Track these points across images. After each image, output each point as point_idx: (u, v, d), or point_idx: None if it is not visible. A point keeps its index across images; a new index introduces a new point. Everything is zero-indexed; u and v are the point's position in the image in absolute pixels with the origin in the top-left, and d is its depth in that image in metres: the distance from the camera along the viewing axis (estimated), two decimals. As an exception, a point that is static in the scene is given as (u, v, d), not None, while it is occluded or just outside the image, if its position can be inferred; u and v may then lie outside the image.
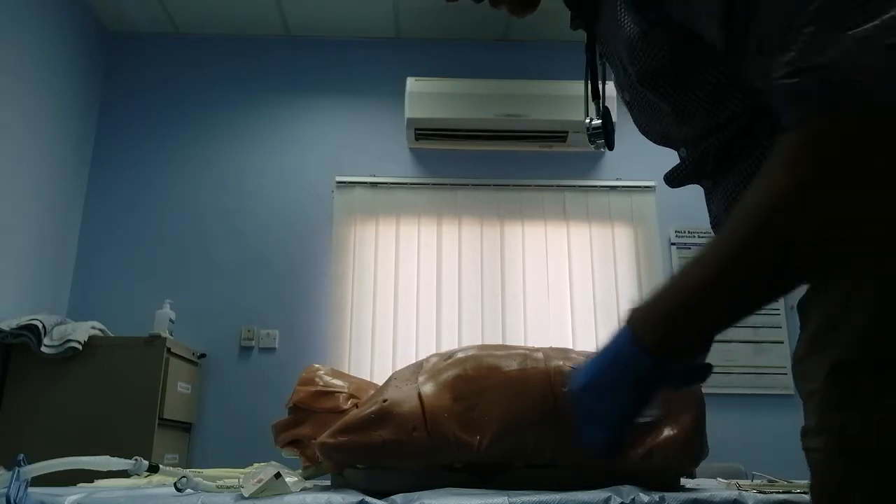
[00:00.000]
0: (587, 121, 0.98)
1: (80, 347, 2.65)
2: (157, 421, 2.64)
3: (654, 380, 0.65)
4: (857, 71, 0.48)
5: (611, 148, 0.98)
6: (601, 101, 0.95)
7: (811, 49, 0.50)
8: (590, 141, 0.99)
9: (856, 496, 0.54)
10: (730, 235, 0.58)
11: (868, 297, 0.55)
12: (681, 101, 0.74)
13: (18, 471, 0.92)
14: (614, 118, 1.07)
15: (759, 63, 0.56)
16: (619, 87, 0.86)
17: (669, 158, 0.97)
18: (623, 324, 0.65)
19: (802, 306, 0.65)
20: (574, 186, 3.47)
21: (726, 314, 0.61)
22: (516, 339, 3.21)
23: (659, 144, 0.86)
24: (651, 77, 0.73)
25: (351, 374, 1.33)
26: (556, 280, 3.32)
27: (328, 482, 1.19)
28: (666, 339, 0.62)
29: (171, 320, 2.95)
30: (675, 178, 0.83)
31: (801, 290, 0.66)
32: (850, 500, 0.55)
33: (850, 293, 0.56)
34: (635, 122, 0.86)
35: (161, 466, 1.09)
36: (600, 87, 0.95)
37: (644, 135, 0.87)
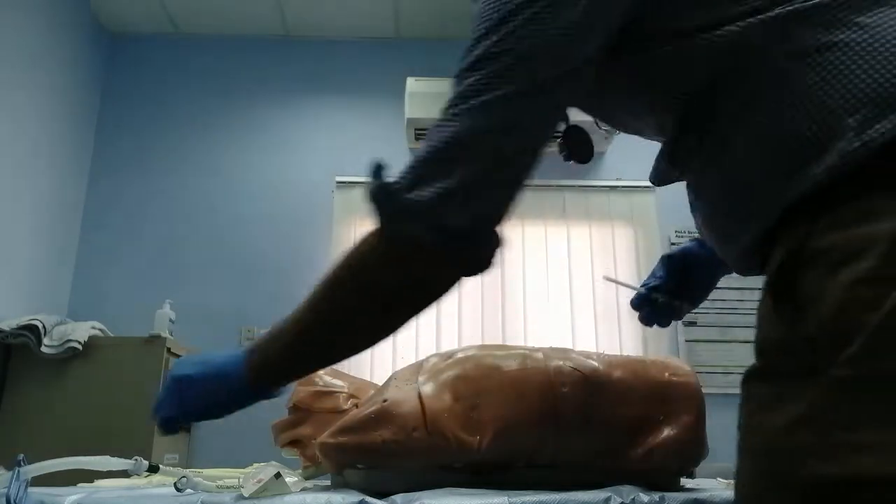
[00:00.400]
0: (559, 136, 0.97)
1: (80, 347, 2.65)
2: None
3: (242, 399, 0.84)
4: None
5: (580, 162, 0.98)
6: (567, 121, 0.93)
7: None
8: (559, 150, 0.98)
9: (740, 483, 0.61)
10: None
11: (763, 308, 0.61)
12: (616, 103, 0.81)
13: (18, 471, 0.92)
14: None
15: None
16: None
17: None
18: (245, 354, 0.84)
19: None
20: (574, 186, 3.47)
21: (304, 358, 0.85)
22: (516, 339, 3.21)
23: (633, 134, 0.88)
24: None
25: (351, 374, 1.33)
26: (556, 280, 3.32)
27: (328, 482, 1.19)
28: (261, 378, 0.83)
29: (171, 320, 2.95)
30: (654, 176, 0.84)
31: None
32: (739, 487, 0.61)
33: (763, 301, 0.62)
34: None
35: (161, 466, 1.09)
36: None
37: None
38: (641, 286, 1.07)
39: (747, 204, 0.63)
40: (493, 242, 0.76)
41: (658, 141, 0.81)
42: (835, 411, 0.51)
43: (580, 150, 0.96)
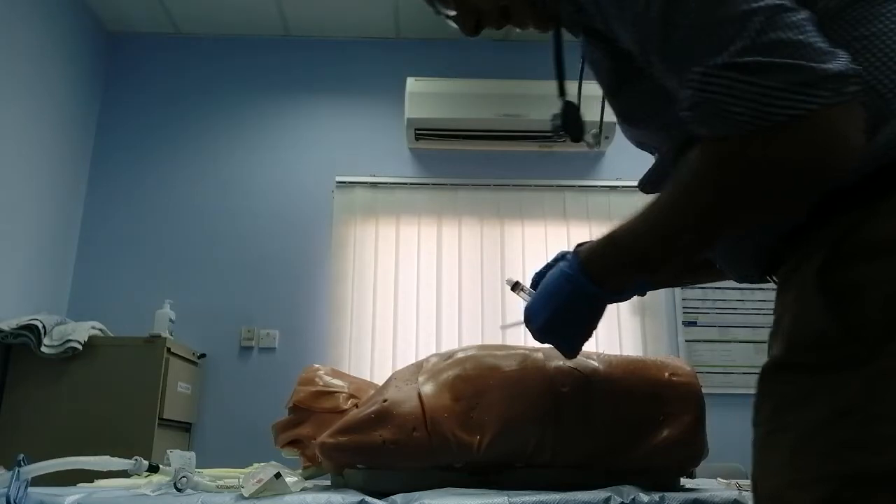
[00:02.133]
0: (551, 115, 0.98)
1: (80, 347, 2.65)
2: (157, 421, 2.64)
3: (597, 301, 0.82)
4: (727, 102, 0.58)
5: (574, 140, 0.98)
6: (565, 97, 0.97)
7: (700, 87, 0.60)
8: (553, 132, 0.99)
9: (773, 479, 0.59)
10: (662, 201, 0.69)
11: (790, 301, 0.60)
12: (641, 107, 0.79)
13: (18, 471, 0.92)
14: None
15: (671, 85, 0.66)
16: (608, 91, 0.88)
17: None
18: (572, 255, 0.80)
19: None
20: (574, 186, 3.47)
21: (655, 261, 0.74)
22: (516, 339, 3.21)
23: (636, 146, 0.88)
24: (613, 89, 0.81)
25: (351, 374, 1.33)
26: (556, 280, 3.31)
27: (328, 482, 1.19)
28: (607, 275, 0.78)
29: (171, 320, 2.95)
30: (646, 182, 0.84)
31: None
32: (771, 484, 0.60)
33: (786, 297, 0.61)
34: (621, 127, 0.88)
35: (161, 466, 1.09)
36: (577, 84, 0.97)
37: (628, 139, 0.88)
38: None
39: None
40: None
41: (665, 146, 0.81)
42: (880, 402, 0.50)
43: (574, 127, 0.97)
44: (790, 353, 0.59)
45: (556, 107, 0.97)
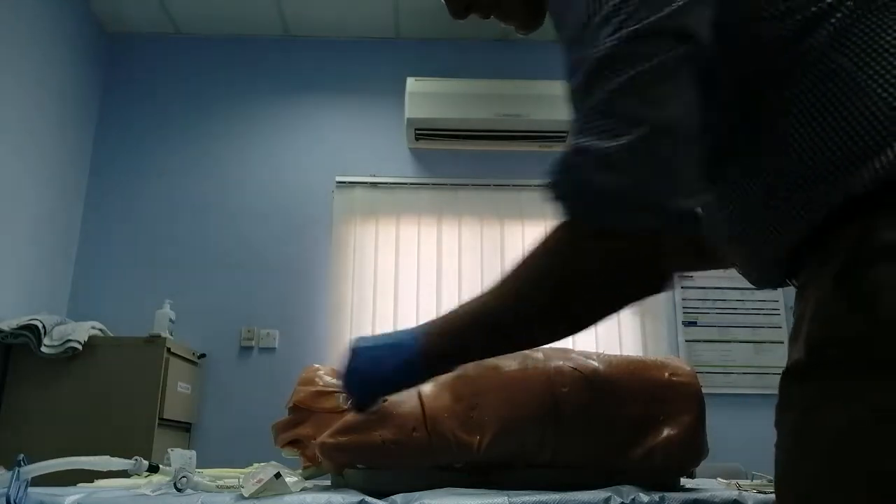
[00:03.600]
0: None
1: (80, 347, 2.65)
2: (157, 421, 2.64)
3: (415, 373, 0.84)
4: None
5: None
6: None
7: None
8: None
9: (805, 484, 0.58)
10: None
11: (810, 304, 0.60)
12: None
13: (18, 471, 0.92)
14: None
15: None
16: None
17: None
18: (414, 332, 0.83)
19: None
20: (574, 186, 3.47)
21: (479, 349, 0.80)
22: (516, 339, 3.21)
23: None
24: None
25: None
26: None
27: (328, 482, 1.19)
28: (434, 356, 0.80)
29: (171, 320, 2.95)
30: None
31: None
32: (784, 494, 0.60)
33: (805, 301, 0.61)
34: None
35: (161, 466, 1.09)
36: None
37: None
38: None
39: (794, 204, 0.62)
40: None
41: None
42: None
43: None
44: (813, 355, 0.59)
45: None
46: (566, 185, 0.67)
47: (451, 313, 0.79)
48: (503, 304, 0.74)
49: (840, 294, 0.57)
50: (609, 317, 0.73)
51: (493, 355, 0.92)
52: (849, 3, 0.61)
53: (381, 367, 0.84)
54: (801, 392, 0.60)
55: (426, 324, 0.82)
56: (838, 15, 0.61)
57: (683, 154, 0.63)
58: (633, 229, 0.63)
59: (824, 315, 0.58)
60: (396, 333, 0.86)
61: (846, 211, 0.58)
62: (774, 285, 0.73)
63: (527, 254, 0.71)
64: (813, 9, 0.61)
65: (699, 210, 0.66)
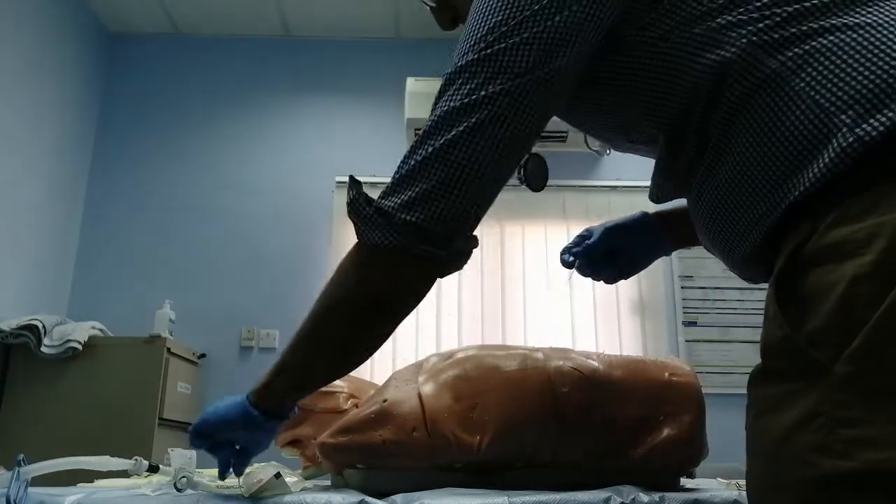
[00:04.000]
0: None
1: (80, 347, 2.65)
2: (157, 421, 2.64)
3: (257, 424, 0.91)
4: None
5: (532, 188, 1.02)
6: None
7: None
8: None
9: (753, 484, 0.62)
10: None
11: (769, 309, 0.61)
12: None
13: (18, 471, 0.92)
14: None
15: None
16: None
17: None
18: (251, 394, 0.92)
19: None
20: (574, 186, 3.47)
21: (299, 384, 0.92)
22: (516, 339, 3.21)
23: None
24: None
25: (351, 374, 1.33)
26: (557, 280, 3.32)
27: (328, 482, 1.19)
28: (267, 405, 0.91)
29: (171, 320, 2.95)
30: (653, 194, 0.85)
31: None
32: (752, 488, 0.63)
33: (767, 307, 0.62)
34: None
35: (161, 466, 1.09)
36: None
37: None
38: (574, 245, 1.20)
39: (749, 210, 0.64)
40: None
41: (651, 157, 0.82)
42: (842, 408, 0.51)
43: (534, 177, 1.02)
44: (764, 358, 0.61)
45: None
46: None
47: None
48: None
49: (777, 300, 0.59)
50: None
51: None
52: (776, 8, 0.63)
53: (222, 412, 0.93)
54: (757, 393, 0.63)
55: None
56: (767, 22, 0.62)
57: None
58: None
59: (770, 319, 0.60)
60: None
61: (792, 218, 0.60)
62: (758, 281, 0.73)
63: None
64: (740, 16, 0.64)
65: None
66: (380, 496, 0.93)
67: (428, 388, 1.08)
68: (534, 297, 3.29)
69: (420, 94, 3.37)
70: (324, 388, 1.20)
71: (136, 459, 1.08)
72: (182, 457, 1.03)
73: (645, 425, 1.06)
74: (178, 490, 1.00)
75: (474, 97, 0.72)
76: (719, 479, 1.33)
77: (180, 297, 3.14)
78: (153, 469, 1.09)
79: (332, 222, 3.39)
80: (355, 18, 3.58)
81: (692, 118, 0.68)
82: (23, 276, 2.95)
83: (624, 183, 3.40)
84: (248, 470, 1.01)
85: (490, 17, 0.71)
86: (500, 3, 0.71)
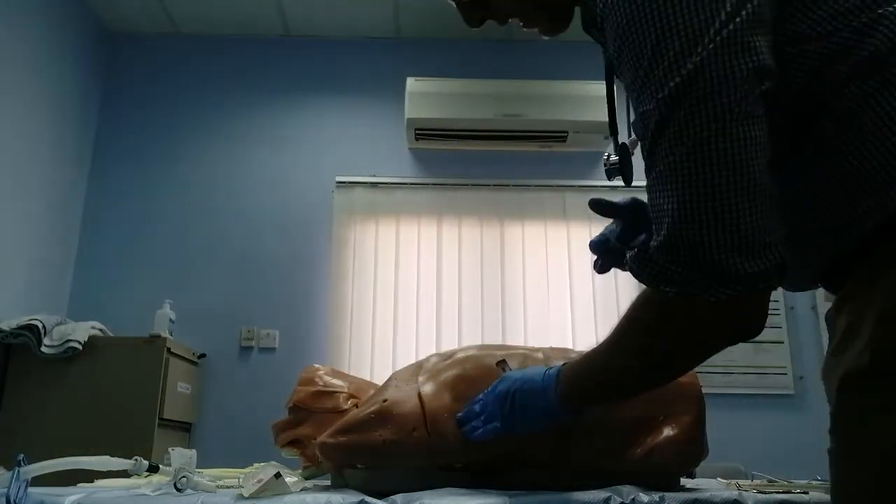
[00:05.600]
0: (605, 156, 0.97)
1: (80, 347, 2.65)
2: (157, 421, 2.64)
3: (551, 415, 0.90)
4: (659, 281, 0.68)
5: (627, 184, 0.97)
6: (617, 136, 0.95)
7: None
8: (607, 176, 0.99)
9: (858, 495, 0.58)
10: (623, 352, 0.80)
11: (876, 308, 0.58)
12: None
13: (18, 471, 0.92)
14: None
15: None
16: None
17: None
18: (557, 372, 0.89)
19: (829, 318, 0.70)
20: (574, 186, 3.47)
21: (612, 396, 0.91)
22: (516, 339, 3.21)
23: None
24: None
25: (351, 374, 1.33)
26: (556, 280, 3.32)
27: (328, 482, 1.19)
28: (574, 402, 0.88)
29: (171, 320, 2.95)
30: None
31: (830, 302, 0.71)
32: (855, 498, 0.59)
33: (864, 304, 0.60)
34: None
35: (161, 466, 1.09)
36: (618, 121, 0.96)
37: None
38: (601, 236, 1.08)
39: (846, 213, 0.63)
40: None
41: None
42: None
43: (627, 174, 0.96)
44: (877, 361, 0.58)
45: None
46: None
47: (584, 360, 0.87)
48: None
49: None
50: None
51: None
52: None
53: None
54: (856, 398, 0.59)
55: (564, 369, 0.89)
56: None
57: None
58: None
59: (885, 324, 0.57)
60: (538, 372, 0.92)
61: None
62: (805, 289, 0.73)
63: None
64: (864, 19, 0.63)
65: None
66: (380, 496, 0.93)
67: (428, 388, 1.08)
68: (534, 297, 3.29)
69: (420, 94, 3.37)
70: (324, 389, 1.20)
71: (136, 459, 1.08)
72: (182, 457, 1.03)
73: (645, 425, 1.06)
74: (178, 490, 1.00)
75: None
76: (719, 479, 1.33)
77: (180, 297, 3.14)
78: (153, 469, 1.09)
79: (332, 222, 3.39)
80: (355, 18, 3.58)
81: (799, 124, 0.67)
82: (23, 276, 2.95)
83: (624, 183, 3.40)
84: (248, 470, 1.01)
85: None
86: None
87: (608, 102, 0.93)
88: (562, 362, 0.92)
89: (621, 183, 0.94)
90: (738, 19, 0.60)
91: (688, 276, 0.63)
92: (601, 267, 1.08)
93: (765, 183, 0.62)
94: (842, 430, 0.61)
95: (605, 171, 0.97)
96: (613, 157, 0.95)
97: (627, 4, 0.64)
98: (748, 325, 0.67)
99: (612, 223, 1.07)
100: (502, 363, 1.06)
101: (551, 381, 0.88)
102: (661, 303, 0.69)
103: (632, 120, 0.72)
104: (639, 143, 0.70)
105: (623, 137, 0.94)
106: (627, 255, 0.70)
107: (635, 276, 0.70)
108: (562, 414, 0.89)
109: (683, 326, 0.69)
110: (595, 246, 1.06)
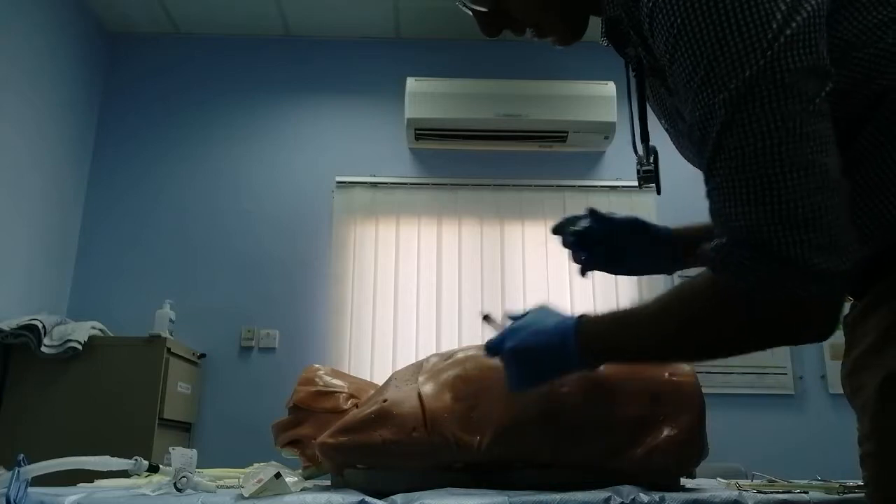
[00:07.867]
0: (637, 165, 0.95)
1: (80, 347, 2.65)
2: (157, 421, 2.64)
3: (569, 367, 0.86)
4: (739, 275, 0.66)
5: (659, 192, 0.96)
6: (648, 143, 0.94)
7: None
8: (639, 184, 0.97)
9: (878, 493, 0.59)
10: (667, 312, 0.78)
11: None
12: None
13: (18, 471, 0.92)
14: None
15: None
16: (659, 114, 0.87)
17: (671, 157, 0.97)
18: (575, 321, 0.83)
19: (848, 325, 0.71)
20: (574, 186, 3.47)
21: (641, 360, 0.93)
22: (516, 339, 3.21)
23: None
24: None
25: (351, 374, 1.33)
26: (556, 280, 3.32)
27: (328, 482, 1.19)
28: (595, 355, 0.83)
29: (171, 320, 2.95)
30: None
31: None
32: (876, 496, 0.60)
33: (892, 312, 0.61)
34: (674, 144, 0.87)
35: (161, 466, 1.09)
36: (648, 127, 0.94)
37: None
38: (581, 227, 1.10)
39: (886, 217, 0.64)
40: None
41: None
42: None
43: (658, 181, 0.94)
44: None
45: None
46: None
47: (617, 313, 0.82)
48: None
49: None
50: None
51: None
52: None
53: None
54: None
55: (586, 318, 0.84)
56: None
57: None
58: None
59: None
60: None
61: None
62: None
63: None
64: None
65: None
66: (380, 496, 0.93)
67: (428, 388, 1.08)
68: (534, 297, 3.29)
69: (420, 94, 3.37)
70: (324, 389, 1.20)
71: (136, 459, 1.08)
72: (182, 457, 1.03)
73: (645, 425, 1.06)
74: (178, 490, 1.00)
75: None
76: (719, 479, 1.33)
77: (180, 297, 3.14)
78: (153, 469, 1.09)
79: (332, 222, 3.39)
80: (355, 18, 3.58)
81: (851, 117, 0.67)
82: (23, 276, 2.95)
83: (624, 183, 3.40)
84: (248, 470, 1.01)
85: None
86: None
87: (640, 108, 0.90)
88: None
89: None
90: (800, 17, 0.60)
91: (778, 276, 0.62)
92: (586, 265, 1.10)
93: (841, 181, 0.61)
94: (887, 431, 0.61)
95: (639, 178, 0.95)
96: (647, 166, 0.94)
97: (684, 1, 0.62)
98: (828, 328, 0.66)
99: (572, 216, 1.11)
100: (487, 318, 1.03)
101: (570, 335, 0.82)
102: (736, 296, 0.68)
103: (679, 125, 0.72)
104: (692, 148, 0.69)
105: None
106: (708, 251, 0.68)
107: (717, 272, 0.67)
108: (578, 367, 0.86)
109: (756, 321, 0.69)
110: (581, 239, 1.09)
